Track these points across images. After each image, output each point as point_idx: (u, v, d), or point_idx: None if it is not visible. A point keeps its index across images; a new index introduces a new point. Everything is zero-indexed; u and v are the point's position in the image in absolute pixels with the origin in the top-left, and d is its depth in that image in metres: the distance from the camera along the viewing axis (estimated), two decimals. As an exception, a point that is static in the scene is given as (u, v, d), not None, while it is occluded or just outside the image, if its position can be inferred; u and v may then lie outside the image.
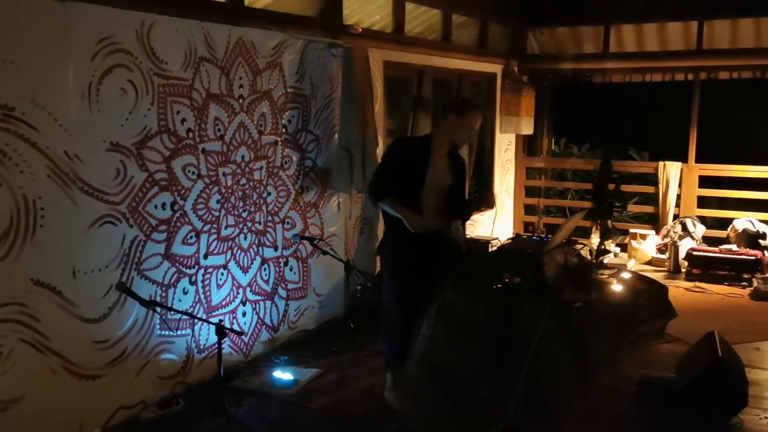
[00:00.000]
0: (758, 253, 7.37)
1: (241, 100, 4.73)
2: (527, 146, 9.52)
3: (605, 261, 6.54)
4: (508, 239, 6.02)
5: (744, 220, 8.01)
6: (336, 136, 5.63)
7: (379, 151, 6.07)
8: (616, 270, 5.23)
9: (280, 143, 5.12)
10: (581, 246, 6.10)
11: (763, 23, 8.05)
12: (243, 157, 4.79)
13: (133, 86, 3.94)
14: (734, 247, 7.68)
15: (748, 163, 8.43)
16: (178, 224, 4.30)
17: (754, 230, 7.84)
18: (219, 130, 4.56)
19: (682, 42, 8.48)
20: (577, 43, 9.05)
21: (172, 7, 4.17)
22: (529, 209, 9.54)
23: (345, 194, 5.77)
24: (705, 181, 8.60)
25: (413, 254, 4.10)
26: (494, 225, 8.53)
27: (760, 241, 7.72)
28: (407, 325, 4.13)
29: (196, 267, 4.46)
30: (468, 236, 6.24)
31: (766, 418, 4.13)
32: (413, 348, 4.06)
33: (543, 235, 5.36)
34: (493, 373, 3.95)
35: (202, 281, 4.52)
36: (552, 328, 4.02)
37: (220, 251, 4.65)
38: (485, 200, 5.39)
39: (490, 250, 6.72)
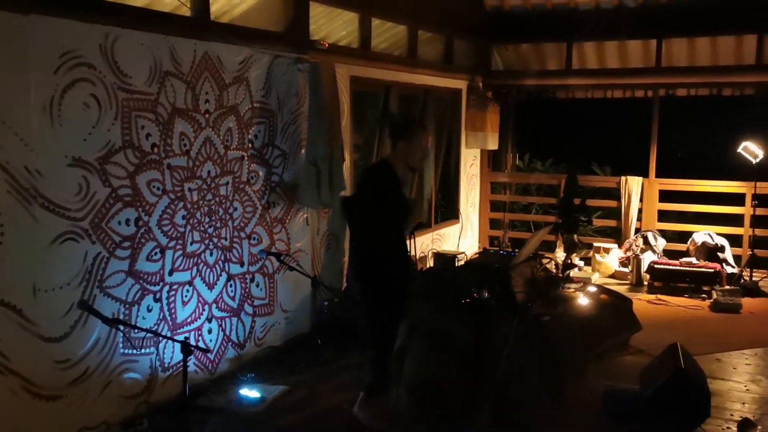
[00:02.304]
0: (717, 265, 7.53)
1: (207, 115, 4.69)
2: (492, 161, 9.61)
3: (571, 275, 6.62)
4: (476, 254, 6.07)
5: (703, 234, 8.18)
6: (303, 151, 5.62)
7: (347, 166, 6.08)
8: (582, 284, 5.29)
9: (246, 158, 5.09)
10: (547, 260, 6.18)
11: (719, 42, 8.29)
12: (209, 172, 4.75)
13: (97, 100, 3.88)
14: (694, 260, 7.84)
15: (706, 178, 8.63)
16: (143, 240, 4.23)
17: (713, 243, 8.01)
18: (185, 145, 4.51)
19: (642, 59, 8.69)
20: (540, 59, 9.20)
21: (136, 21, 4.13)
22: (494, 223, 9.62)
23: (312, 209, 5.75)
24: (665, 196, 8.78)
25: (402, 279, 4.13)
26: (460, 239, 8.59)
27: (719, 253, 7.90)
28: (393, 346, 4.13)
29: (161, 284, 4.39)
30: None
31: (728, 428, 4.20)
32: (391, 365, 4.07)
33: (510, 250, 5.41)
34: (464, 386, 3.96)
35: (167, 298, 4.45)
36: (520, 341, 4.06)
37: (185, 268, 4.58)
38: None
39: (456, 264, 6.76)
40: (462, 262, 6.83)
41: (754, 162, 7.74)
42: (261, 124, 5.22)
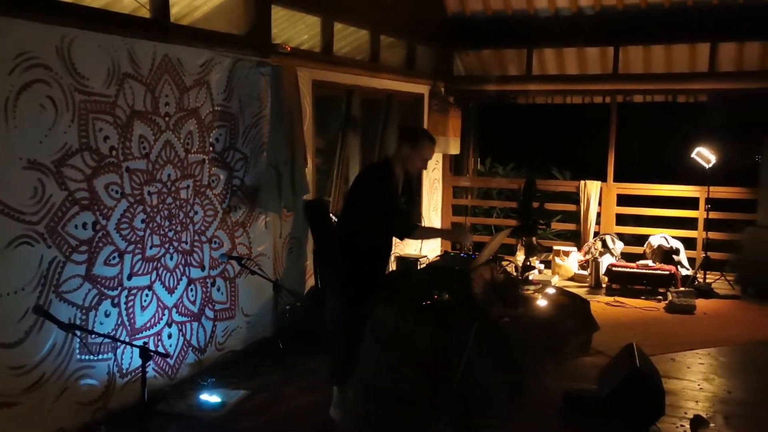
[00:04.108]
0: (672, 268, 7.71)
1: (167, 118, 4.65)
2: (454, 166, 9.69)
3: (530, 277, 6.71)
4: (437, 257, 6.11)
5: (659, 237, 8.37)
6: (264, 154, 5.60)
7: (309, 170, 6.08)
8: (540, 286, 5.37)
9: (207, 162, 5.06)
10: (507, 263, 6.26)
11: (674, 50, 8.50)
12: (169, 175, 4.70)
13: (53, 102, 3.82)
14: (650, 262, 8.01)
15: (662, 182, 8.83)
16: (100, 244, 4.18)
17: (668, 246, 8.20)
18: (144, 148, 4.47)
19: (600, 66, 8.87)
20: (501, 65, 9.32)
21: (94, 22, 4.08)
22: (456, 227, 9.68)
23: (274, 213, 5.73)
24: (623, 200, 8.96)
25: (374, 278, 4.18)
26: (422, 243, 8.63)
27: (674, 256, 8.09)
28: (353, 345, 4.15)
29: (119, 288, 4.34)
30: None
31: (682, 426, 4.30)
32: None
33: (470, 253, 5.46)
34: (424, 388, 3.99)
35: (126, 303, 4.39)
36: (480, 343, 4.10)
37: (144, 272, 4.53)
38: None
39: (419, 267, 6.80)
40: (423, 265, 6.87)
41: (707, 167, 7.94)
42: (222, 128, 5.19)
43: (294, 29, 6.48)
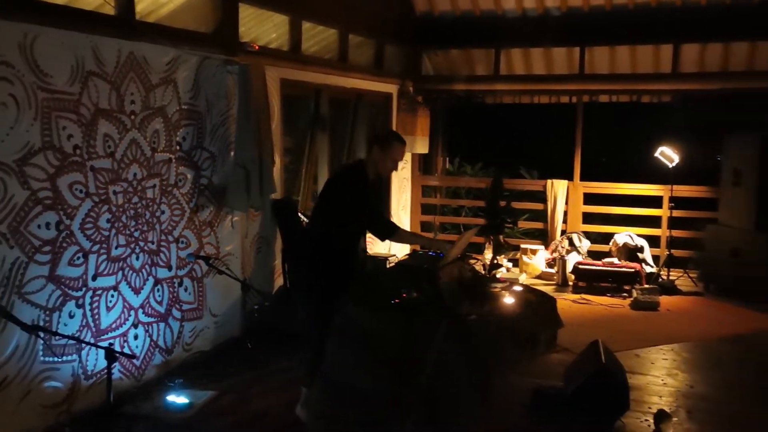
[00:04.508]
0: (637, 265, 7.83)
1: (132, 117, 4.59)
2: (423, 165, 9.73)
3: (498, 275, 6.77)
4: (406, 255, 6.13)
5: (624, 235, 8.50)
6: (232, 153, 5.57)
7: (277, 169, 6.06)
8: (507, 283, 5.42)
9: (174, 161, 5.01)
10: (475, 261, 6.30)
11: (638, 50, 8.63)
12: (135, 174, 4.65)
13: (15, 100, 3.75)
14: (616, 260, 8.13)
15: (627, 181, 8.97)
16: (64, 245, 4.11)
17: (633, 244, 8.33)
18: (109, 146, 4.41)
19: (566, 66, 8.97)
20: (469, 65, 9.38)
21: (57, 19, 4.02)
22: (425, 226, 9.73)
23: (241, 212, 5.70)
24: (589, 198, 9.07)
25: (346, 278, 4.20)
26: (391, 242, 8.66)
27: (639, 254, 8.22)
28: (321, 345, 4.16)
29: (84, 289, 4.28)
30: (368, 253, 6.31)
31: (646, 420, 4.38)
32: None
33: (439, 251, 5.48)
34: (392, 387, 3.99)
35: (91, 304, 4.33)
36: (448, 341, 4.12)
37: (110, 272, 4.47)
38: None
39: (388, 266, 6.81)
40: (392, 264, 6.88)
41: (670, 166, 8.09)
42: (189, 126, 5.14)
43: (262, 28, 6.45)
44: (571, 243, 8.57)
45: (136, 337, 4.72)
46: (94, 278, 4.35)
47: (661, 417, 4.27)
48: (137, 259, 4.71)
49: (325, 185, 4.47)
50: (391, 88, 8.63)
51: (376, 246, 8.15)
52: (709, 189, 8.46)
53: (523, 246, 8.72)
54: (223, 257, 5.57)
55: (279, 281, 6.29)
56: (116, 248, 4.52)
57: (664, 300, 7.33)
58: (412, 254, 6.05)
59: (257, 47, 5.79)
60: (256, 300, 5.79)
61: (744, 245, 7.46)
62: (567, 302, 7.31)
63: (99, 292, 4.39)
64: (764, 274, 7.18)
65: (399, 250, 8.51)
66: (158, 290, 4.91)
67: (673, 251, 8.26)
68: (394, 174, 8.88)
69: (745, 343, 6.11)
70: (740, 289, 7.41)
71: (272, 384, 4.87)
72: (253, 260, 5.99)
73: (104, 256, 4.42)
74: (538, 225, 9.32)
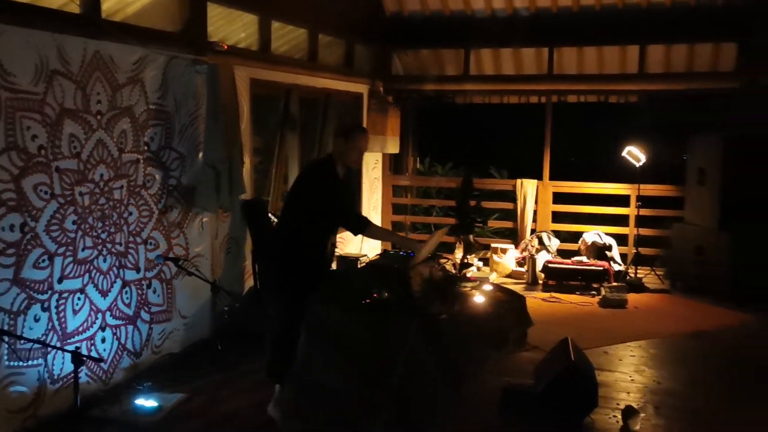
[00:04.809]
0: (605, 263, 7.94)
1: (99, 117, 4.53)
2: (394, 165, 9.74)
3: (468, 274, 6.80)
4: (377, 255, 6.14)
5: (593, 233, 8.60)
6: (201, 154, 5.52)
7: (246, 169, 6.02)
8: (478, 283, 5.44)
9: (142, 161, 4.95)
10: (445, 260, 6.33)
11: (605, 51, 8.75)
12: (102, 175, 4.58)
13: (-23, 100, 3.68)
14: (585, 258, 8.23)
15: (596, 181, 9.08)
16: (29, 247, 4.04)
17: (602, 242, 8.44)
18: (75, 147, 4.34)
19: (535, 67, 9.05)
20: (439, 65, 9.41)
21: (21, 18, 3.95)
22: (396, 226, 9.74)
23: (211, 213, 5.65)
24: (559, 198, 9.17)
25: (316, 276, 4.19)
26: (363, 242, 8.66)
27: (607, 252, 8.33)
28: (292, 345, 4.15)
29: (50, 292, 4.21)
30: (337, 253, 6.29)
31: (614, 416, 4.44)
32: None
33: (410, 251, 5.50)
34: (364, 387, 4.00)
35: (57, 307, 4.26)
36: (419, 341, 4.13)
37: (76, 275, 4.41)
38: None
39: (359, 266, 6.80)
40: (363, 264, 6.89)
41: (637, 165, 8.21)
42: (157, 126, 5.09)
43: (231, 27, 6.40)
44: (541, 242, 8.66)
45: (103, 340, 4.66)
46: (60, 281, 4.28)
47: (628, 413, 4.33)
48: (104, 261, 4.64)
49: (296, 181, 4.48)
50: (361, 88, 8.62)
51: (347, 246, 8.14)
52: (675, 188, 8.60)
53: (493, 245, 8.78)
54: (192, 258, 5.52)
55: (249, 282, 6.25)
56: (83, 250, 4.45)
57: (632, 297, 7.43)
58: (383, 254, 6.06)
59: (226, 47, 5.75)
60: (226, 301, 5.75)
61: (708, 243, 7.61)
62: (537, 300, 7.38)
63: (65, 295, 4.32)
64: (727, 272, 7.32)
65: (370, 250, 8.52)
66: (126, 292, 4.85)
67: (640, 249, 8.39)
68: (365, 174, 8.91)
69: (710, 339, 6.23)
70: (704, 286, 7.55)
71: (242, 385, 4.85)
72: (223, 261, 5.95)
73: (70, 259, 4.35)
74: (508, 224, 9.39)
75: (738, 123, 7.93)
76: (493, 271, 8.49)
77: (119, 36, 4.69)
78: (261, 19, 6.56)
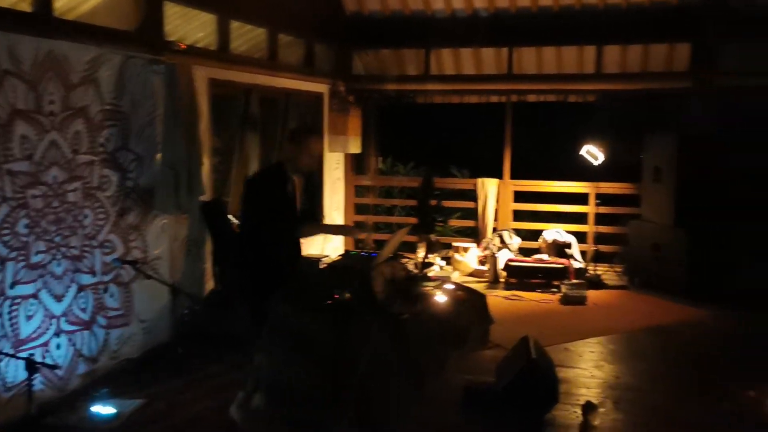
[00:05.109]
0: (566, 261, 8.04)
1: (52, 117, 4.42)
2: (356, 165, 9.72)
3: (430, 274, 6.82)
4: (339, 256, 6.12)
5: (553, 231, 8.71)
6: (159, 155, 5.43)
7: (206, 170, 5.95)
8: (439, 282, 5.46)
9: (97, 163, 4.85)
10: (407, 260, 6.33)
11: (564, 51, 8.85)
12: (55, 177, 4.48)
13: None
14: (545, 256, 8.32)
15: (555, 179, 9.18)
16: (-21, 252, 3.93)
17: (562, 240, 8.55)
18: (26, 148, 4.24)
19: (495, 67, 9.12)
20: (400, 65, 9.42)
21: (-32, 15, 3.84)
22: (359, 226, 9.71)
23: (170, 215, 5.57)
24: (520, 196, 9.25)
25: (278, 276, 4.18)
26: (325, 243, 8.63)
27: (567, 250, 8.44)
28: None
29: (2, 298, 4.10)
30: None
31: (574, 412, 4.49)
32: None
33: (372, 251, 5.49)
34: (327, 388, 3.98)
35: (9, 313, 4.15)
36: (381, 340, 4.13)
37: (29, 280, 4.30)
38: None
39: (320, 267, 6.77)
40: (325, 265, 6.85)
41: (595, 164, 8.33)
42: (113, 127, 4.99)
43: (189, 26, 6.32)
44: (502, 240, 8.73)
45: (58, 347, 4.55)
46: (12, 286, 4.17)
47: (588, 408, 4.39)
48: (59, 265, 4.54)
49: (245, 187, 4.45)
50: (321, 87, 8.59)
51: (308, 247, 8.10)
52: (632, 186, 8.75)
53: (455, 244, 8.83)
54: (151, 261, 5.43)
55: (210, 284, 6.17)
56: (36, 254, 4.34)
57: (592, 294, 7.54)
58: (345, 255, 6.04)
59: (184, 46, 5.67)
60: (186, 304, 5.66)
61: (664, 240, 7.76)
62: (498, 299, 7.43)
63: (18, 300, 4.22)
64: (682, 268, 7.47)
65: (334, 251, 8.49)
66: (82, 297, 4.75)
67: (599, 247, 8.52)
68: (327, 174, 8.87)
69: (667, 333, 6.35)
70: (661, 282, 7.70)
71: (204, 389, 4.78)
72: (183, 263, 5.86)
73: (23, 263, 4.25)
74: (470, 223, 9.45)
75: (692, 122, 8.10)
76: (456, 270, 8.53)
77: (72, 35, 4.60)
78: (219, 18, 6.49)
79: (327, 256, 7.24)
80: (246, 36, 7.21)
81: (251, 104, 6.97)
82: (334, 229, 5.93)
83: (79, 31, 4.70)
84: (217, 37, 6.50)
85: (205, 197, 5.97)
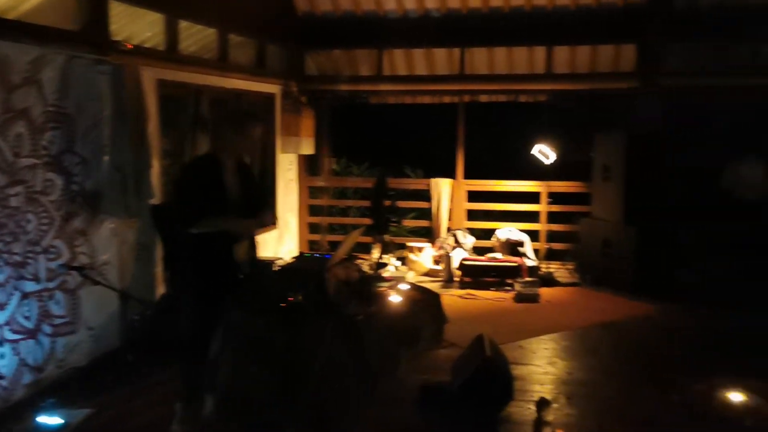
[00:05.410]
0: (519, 259, 8.13)
1: (-9, 119, 4.28)
2: (309, 166, 9.66)
3: (385, 274, 6.82)
4: (292, 258, 6.07)
5: (506, 230, 8.80)
6: (107, 157, 5.30)
7: (155, 172, 5.83)
8: (394, 282, 5.47)
9: (40, 166, 4.70)
10: (362, 261, 6.32)
11: (515, 52, 8.95)
12: (-4, 181, 4.33)
13: None
14: (499, 255, 8.40)
15: (508, 179, 9.27)
16: None
17: (515, 239, 8.64)
18: (-35, 152, 4.09)
19: (447, 67, 9.17)
20: (353, 65, 9.40)
21: None
22: (313, 228, 9.68)
23: (118, 219, 5.44)
24: (474, 196, 9.32)
25: (212, 278, 4.01)
26: (279, 245, 8.56)
27: (520, 248, 8.53)
28: (206, 352, 4.00)
29: (-60, 307, 3.95)
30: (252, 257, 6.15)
31: (529, 408, 4.53)
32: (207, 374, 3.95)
33: (326, 253, 5.47)
34: (280, 392, 3.94)
35: (-52, 323, 4.00)
36: (336, 342, 4.11)
37: (-31, 287, 4.15)
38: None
39: (274, 269, 6.71)
40: (278, 267, 6.80)
41: (546, 163, 8.44)
42: (57, 129, 4.85)
43: (135, 26, 6.18)
44: (456, 240, 8.78)
45: (2, 356, 4.40)
46: (-49, 295, 4.01)
47: (542, 404, 4.44)
48: (1, 272, 4.38)
49: (176, 177, 4.24)
50: (273, 88, 8.51)
51: (263, 250, 8.02)
52: (583, 184, 8.89)
53: (409, 244, 8.84)
54: (99, 267, 5.29)
55: (161, 289, 6.05)
56: (-23, 261, 4.19)
57: (544, 292, 7.64)
58: (299, 257, 6.00)
59: (130, 46, 5.55)
60: (136, 309, 5.54)
61: (614, 237, 7.91)
62: (453, 298, 7.47)
63: (-42, 309, 4.06)
64: (631, 265, 7.63)
65: (288, 253, 8.43)
66: (26, 305, 4.60)
67: (551, 245, 8.64)
68: (279, 175, 8.80)
69: (617, 329, 6.47)
70: (612, 278, 7.84)
71: (156, 397, 4.68)
72: (133, 268, 5.73)
73: (-37, 271, 4.09)
74: (425, 223, 9.49)
75: (639, 122, 8.28)
76: (411, 270, 8.55)
77: (13, 34, 4.45)
78: (167, 18, 6.36)
79: (281, 258, 7.18)
80: (196, 36, 7.09)
81: (202, 105, 6.87)
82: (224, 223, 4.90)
83: (20, 30, 4.56)
84: (166, 37, 6.38)
85: (155, 200, 5.85)
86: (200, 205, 3.90)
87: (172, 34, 6.41)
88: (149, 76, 5.87)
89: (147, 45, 6.27)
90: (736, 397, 4.64)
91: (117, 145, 5.25)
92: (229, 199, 4.03)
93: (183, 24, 6.61)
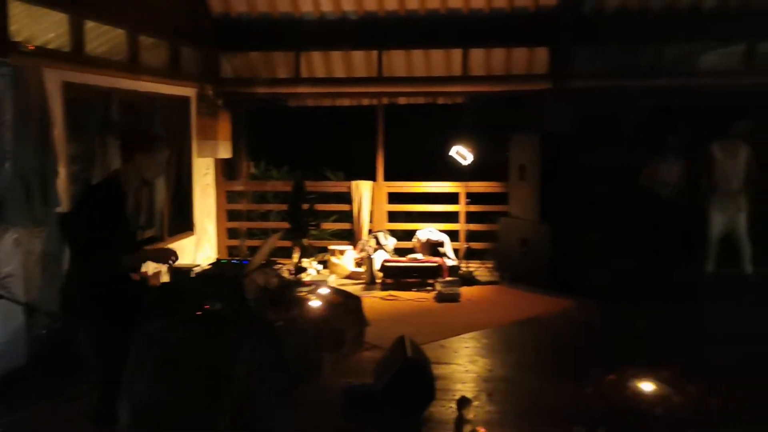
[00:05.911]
0: (439, 259, 8.22)
1: None
2: (227, 170, 9.48)
3: (305, 278, 6.76)
4: (209, 265, 5.94)
5: (426, 231, 8.88)
6: (9, 163, 5.03)
7: (62, 179, 5.59)
8: (314, 286, 5.42)
9: (-66, 174, 4.43)
10: (281, 266, 6.25)
11: (432, 54, 9.05)
12: None
13: None
14: (420, 255, 8.47)
15: (428, 180, 9.37)
16: None
17: (435, 239, 8.73)
18: None
19: (365, 69, 9.18)
20: (270, 68, 9.29)
21: None
22: (233, 233, 9.50)
23: (23, 228, 5.18)
24: (395, 197, 9.37)
25: (127, 299, 3.86)
26: (197, 251, 8.37)
27: (440, 248, 8.63)
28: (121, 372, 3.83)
29: None
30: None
31: (450, 407, 4.57)
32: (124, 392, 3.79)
33: (243, 259, 5.37)
34: (199, 400, 3.84)
35: None
36: (256, 349, 4.04)
37: None
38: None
39: (191, 276, 6.54)
40: (194, 274, 6.63)
41: (464, 164, 8.57)
42: (-48, 135, 4.58)
43: (37, 26, 5.90)
44: (378, 242, 8.80)
45: None
46: None
47: (463, 403, 4.47)
48: None
49: (74, 206, 4.06)
50: (188, 91, 8.32)
51: (180, 257, 7.81)
52: (500, 184, 9.07)
53: (331, 247, 8.81)
54: (2, 279, 5.02)
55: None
56: None
57: (465, 291, 7.74)
58: (216, 263, 5.86)
59: (32, 47, 5.30)
60: (45, 323, 5.28)
61: (531, 235, 8.10)
62: (376, 299, 7.48)
63: None
64: (548, 262, 7.83)
65: (206, 260, 8.24)
66: None
67: (471, 244, 8.78)
68: (196, 180, 8.60)
69: (536, 325, 6.63)
70: (529, 276, 8.03)
71: (69, 413, 4.48)
72: (40, 280, 5.46)
73: None
74: (346, 225, 9.47)
75: (552, 122, 8.52)
76: (333, 273, 8.51)
77: None
78: (72, 18, 6.10)
79: (198, 266, 7.01)
80: (104, 37, 6.83)
81: (112, 109, 6.63)
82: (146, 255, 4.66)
83: None
84: (71, 37, 6.12)
85: (63, 208, 5.60)
86: (108, 242, 3.74)
87: (77, 34, 6.16)
88: (54, 78, 5.63)
89: (51, 46, 6.00)
90: (647, 387, 4.82)
91: (19, 151, 5.01)
92: (130, 229, 3.91)
93: (90, 24, 6.36)
